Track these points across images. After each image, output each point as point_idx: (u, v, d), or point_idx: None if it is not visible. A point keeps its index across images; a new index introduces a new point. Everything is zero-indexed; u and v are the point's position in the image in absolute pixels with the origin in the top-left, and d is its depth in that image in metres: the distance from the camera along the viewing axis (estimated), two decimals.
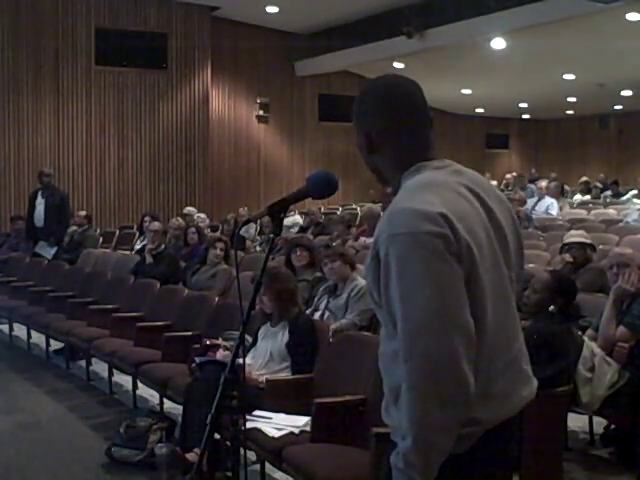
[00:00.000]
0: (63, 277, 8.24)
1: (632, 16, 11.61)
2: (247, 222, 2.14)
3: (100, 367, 6.30)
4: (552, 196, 11.37)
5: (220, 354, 4.30)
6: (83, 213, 11.26)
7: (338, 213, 12.98)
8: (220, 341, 4.47)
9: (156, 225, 7.62)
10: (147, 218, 9.68)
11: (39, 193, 9.83)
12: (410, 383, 1.52)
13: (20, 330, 7.75)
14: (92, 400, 5.79)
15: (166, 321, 5.80)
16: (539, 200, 11.21)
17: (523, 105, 21.78)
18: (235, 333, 4.69)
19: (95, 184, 14.28)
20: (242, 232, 9.57)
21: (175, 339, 5.27)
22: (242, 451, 2.04)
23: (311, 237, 8.31)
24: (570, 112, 22.42)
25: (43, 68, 13.68)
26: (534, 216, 10.26)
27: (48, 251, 9.51)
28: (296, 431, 3.59)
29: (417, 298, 1.52)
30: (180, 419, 4.35)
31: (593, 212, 11.46)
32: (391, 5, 13.87)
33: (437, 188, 1.66)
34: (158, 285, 6.55)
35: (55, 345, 7.12)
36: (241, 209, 11.90)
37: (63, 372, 6.63)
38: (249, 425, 3.46)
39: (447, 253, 1.54)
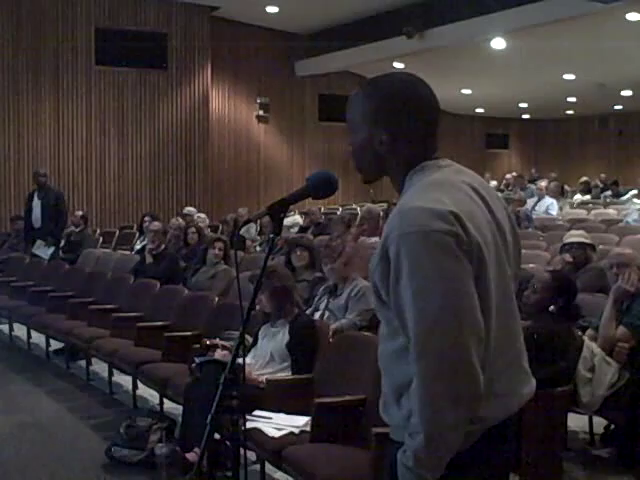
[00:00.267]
0: (63, 277, 8.24)
1: (632, 16, 11.62)
2: (247, 222, 2.14)
3: (100, 367, 6.30)
4: (552, 196, 11.38)
5: (218, 354, 4.30)
6: (80, 213, 11.26)
7: (338, 213, 12.98)
8: (217, 341, 4.47)
9: (156, 225, 7.61)
10: (147, 218, 9.68)
11: (35, 194, 9.84)
12: (423, 381, 1.53)
13: (20, 330, 7.75)
14: (92, 400, 5.79)
15: (166, 321, 5.79)
16: (539, 200, 11.23)
17: (523, 105, 21.79)
18: (235, 333, 4.69)
19: (95, 184, 14.28)
20: (242, 232, 9.56)
21: (175, 339, 5.27)
22: (242, 451, 2.04)
23: (311, 237, 8.30)
24: (570, 112, 22.43)
25: (43, 68, 13.68)
26: (534, 216, 10.28)
27: (45, 251, 9.51)
28: (296, 431, 3.59)
29: (430, 296, 1.52)
30: (180, 419, 4.36)
31: (593, 212, 11.47)
32: (391, 5, 13.87)
33: (446, 187, 1.66)
34: (158, 285, 6.55)
35: (55, 345, 7.12)
36: (241, 209, 11.89)
37: (63, 372, 6.63)
38: (249, 425, 3.46)
39: (459, 251, 1.55)
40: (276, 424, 3.64)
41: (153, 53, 14.68)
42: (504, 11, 11.80)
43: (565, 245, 5.76)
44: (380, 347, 1.78)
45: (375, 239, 8.35)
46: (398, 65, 15.38)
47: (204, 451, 1.96)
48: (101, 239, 11.55)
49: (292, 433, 3.57)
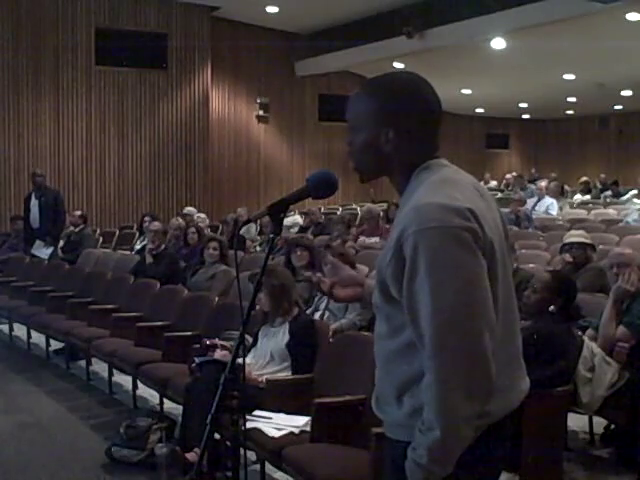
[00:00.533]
0: (63, 277, 8.24)
1: (632, 16, 11.62)
2: (247, 222, 2.14)
3: (100, 367, 6.30)
4: (552, 196, 11.38)
5: (218, 354, 4.30)
6: (78, 213, 11.26)
7: (338, 213, 12.98)
8: (217, 340, 4.47)
9: (156, 225, 7.61)
10: (147, 218, 9.68)
11: (33, 194, 9.84)
12: (440, 377, 1.53)
13: (20, 330, 7.75)
14: (92, 400, 5.79)
15: (166, 321, 5.79)
16: (539, 200, 11.23)
17: (523, 105, 21.79)
18: (235, 333, 4.69)
19: (95, 184, 14.28)
20: (242, 232, 9.57)
21: (175, 339, 5.27)
22: (242, 451, 2.04)
23: (311, 237, 8.31)
24: (570, 112, 22.44)
25: (43, 68, 13.68)
26: (534, 216, 10.28)
27: (44, 252, 9.51)
28: (296, 431, 3.59)
29: (448, 291, 1.53)
30: (180, 419, 4.35)
31: (593, 212, 11.47)
32: (391, 5, 13.87)
33: (456, 184, 1.68)
34: (158, 285, 6.55)
35: (55, 345, 7.12)
36: (240, 209, 11.88)
37: (63, 372, 6.63)
38: (249, 425, 3.46)
39: (475, 247, 1.57)
40: (276, 424, 3.64)
41: (153, 53, 14.67)
42: (504, 11, 11.80)
43: (565, 245, 5.76)
44: (377, 345, 1.79)
45: (375, 239, 8.37)
46: (398, 65, 15.38)
47: (204, 451, 1.96)
48: (101, 239, 11.55)
49: (292, 433, 3.57)
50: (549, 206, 11.06)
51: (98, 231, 12.41)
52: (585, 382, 3.93)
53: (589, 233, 6.17)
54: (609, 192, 15.65)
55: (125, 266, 7.97)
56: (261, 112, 17.24)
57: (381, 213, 9.84)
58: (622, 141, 22.33)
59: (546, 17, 11.36)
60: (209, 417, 1.85)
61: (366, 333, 4.25)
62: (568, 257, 5.58)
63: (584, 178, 16.17)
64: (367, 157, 1.76)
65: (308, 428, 3.54)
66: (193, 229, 8.25)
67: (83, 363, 6.45)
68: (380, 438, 2.72)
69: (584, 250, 5.60)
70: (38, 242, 9.63)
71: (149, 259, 7.23)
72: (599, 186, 16.58)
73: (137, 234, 10.66)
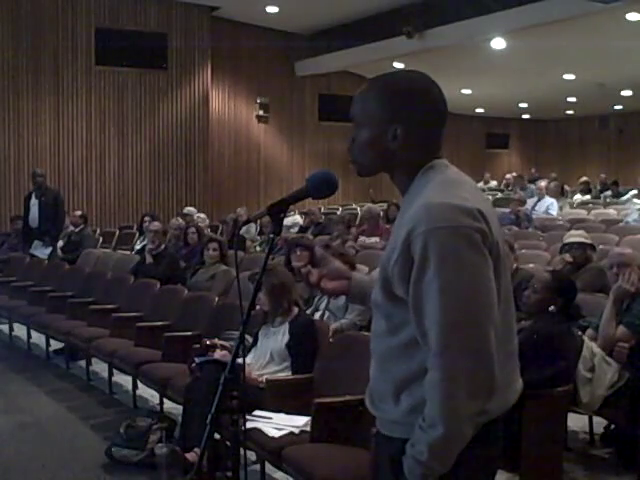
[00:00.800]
0: (63, 277, 8.24)
1: (632, 16, 11.62)
2: (247, 222, 2.14)
3: (100, 367, 6.30)
4: (552, 196, 11.38)
5: (218, 353, 4.30)
6: (78, 213, 11.27)
7: (338, 213, 12.98)
8: (216, 340, 4.47)
9: (156, 225, 7.61)
10: (147, 218, 9.69)
11: (33, 194, 9.84)
12: (446, 375, 1.54)
13: (20, 330, 7.75)
14: (92, 400, 5.79)
15: (166, 321, 5.80)
16: (539, 200, 11.23)
17: (523, 105, 21.79)
18: (235, 333, 4.69)
19: (95, 184, 14.28)
20: (242, 232, 9.57)
21: (175, 339, 5.27)
22: (242, 451, 2.04)
23: (311, 237, 8.31)
24: (570, 112, 22.44)
25: (43, 68, 13.68)
26: (534, 216, 10.28)
27: (43, 251, 9.51)
28: (296, 431, 3.59)
29: (457, 291, 1.55)
30: (180, 419, 4.35)
31: (593, 212, 11.46)
32: (391, 5, 13.87)
33: (463, 185, 1.70)
34: (158, 285, 6.55)
35: (55, 345, 7.11)
36: (239, 209, 11.88)
37: (63, 372, 6.63)
38: (249, 425, 3.46)
39: (484, 247, 1.59)
40: (276, 424, 3.64)
41: (153, 53, 14.67)
42: (504, 11, 11.80)
43: (565, 245, 5.76)
44: (374, 343, 1.79)
45: (375, 239, 8.37)
46: (398, 65, 15.38)
47: (204, 451, 1.96)
48: (101, 239, 11.55)
49: (292, 433, 3.57)
50: (549, 206, 11.06)
51: (98, 231, 12.41)
52: (585, 382, 3.93)
53: (589, 233, 6.18)
54: (609, 192, 15.65)
55: (125, 266, 7.97)
56: (261, 112, 17.24)
57: (381, 213, 9.84)
58: (622, 141, 22.34)
59: (546, 17, 11.36)
60: (209, 417, 1.85)
61: (366, 333, 4.25)
62: (568, 257, 5.58)
63: (584, 178, 16.17)
64: (371, 153, 1.75)
65: (308, 428, 3.54)
66: (193, 229, 8.25)
67: (83, 363, 6.45)
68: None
69: (584, 250, 5.61)
70: (37, 242, 9.63)
71: (149, 259, 7.23)
72: (597, 188, 16.58)
73: (137, 234, 10.66)
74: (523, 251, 7.06)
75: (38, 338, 7.33)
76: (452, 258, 1.55)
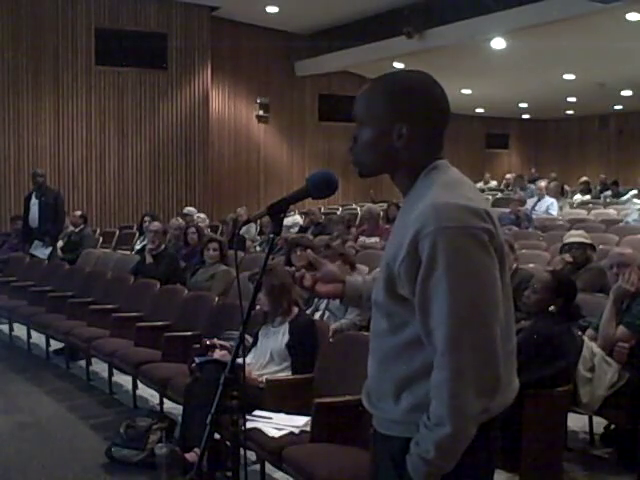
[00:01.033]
0: (63, 277, 8.24)
1: (632, 16, 11.61)
2: (247, 222, 2.14)
3: (100, 367, 6.30)
4: (552, 196, 11.37)
5: (217, 353, 4.30)
6: (78, 213, 11.27)
7: (338, 213, 12.99)
8: (215, 340, 4.47)
9: (156, 225, 7.61)
10: (147, 218, 9.69)
11: (33, 194, 9.85)
12: (454, 374, 1.55)
13: (20, 330, 7.75)
14: (92, 400, 5.79)
15: (166, 321, 5.79)
16: (539, 200, 11.22)
17: (523, 105, 21.79)
18: (235, 333, 4.69)
19: (95, 184, 14.28)
20: (242, 232, 9.57)
21: (175, 339, 5.27)
22: (242, 451, 2.04)
23: (311, 237, 8.31)
24: (570, 112, 22.44)
25: (43, 68, 13.68)
26: (534, 216, 10.28)
27: (42, 251, 9.51)
28: (296, 431, 3.59)
29: (467, 291, 1.56)
30: (180, 419, 4.35)
31: (593, 212, 11.46)
32: (391, 5, 13.87)
33: (467, 186, 1.71)
34: (158, 285, 6.55)
35: (55, 345, 7.12)
36: (239, 209, 11.89)
37: (63, 372, 6.63)
38: (249, 425, 3.46)
39: (491, 247, 1.60)
40: (276, 424, 3.64)
41: (153, 53, 14.68)
42: (504, 11, 11.80)
43: (565, 245, 5.76)
44: (374, 342, 1.80)
45: (375, 239, 8.37)
46: (398, 65, 15.37)
47: (204, 451, 1.96)
48: (101, 239, 11.55)
49: (292, 433, 3.57)
50: (549, 206, 11.06)
51: (98, 231, 12.41)
52: (585, 382, 3.93)
53: (589, 233, 6.17)
54: (609, 192, 15.65)
55: (125, 266, 7.97)
56: (261, 112, 17.24)
57: (381, 213, 9.85)
58: (622, 141, 22.34)
59: (546, 17, 11.36)
60: (209, 417, 1.85)
61: (366, 333, 4.25)
62: (568, 257, 5.58)
63: (584, 178, 16.18)
64: (374, 153, 1.75)
65: (308, 428, 3.54)
66: (193, 229, 8.25)
67: (83, 363, 6.45)
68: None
69: (584, 250, 5.60)
70: (36, 242, 9.63)
71: (149, 259, 7.23)
72: (598, 187, 16.58)
73: (137, 234, 10.66)
74: (523, 251, 7.05)
75: (38, 338, 7.33)
76: (460, 258, 1.56)
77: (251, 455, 3.76)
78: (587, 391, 3.93)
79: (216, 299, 5.68)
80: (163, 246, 7.38)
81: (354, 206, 15.05)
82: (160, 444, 4.21)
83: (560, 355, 3.76)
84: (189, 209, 11.60)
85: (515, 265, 5.22)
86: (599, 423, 4.50)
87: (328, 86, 18.11)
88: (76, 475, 4.25)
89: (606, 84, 17.25)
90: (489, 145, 23.95)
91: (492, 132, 23.77)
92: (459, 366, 1.55)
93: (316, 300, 5.33)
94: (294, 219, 11.77)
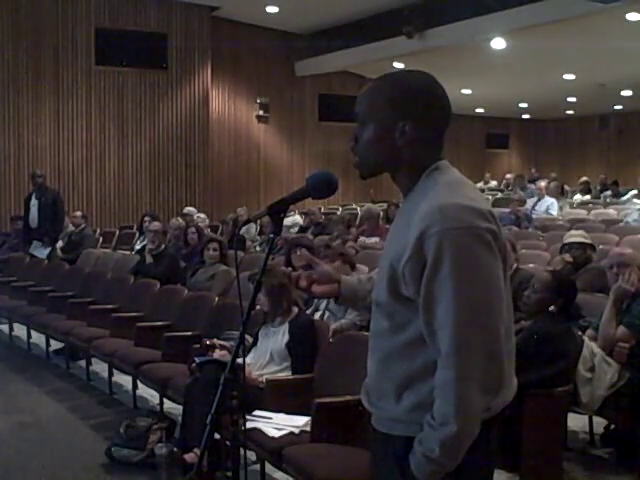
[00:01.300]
0: (63, 277, 8.24)
1: (632, 16, 11.61)
2: (247, 222, 2.14)
3: (100, 367, 6.30)
4: (552, 196, 11.37)
5: (217, 353, 4.30)
6: (79, 213, 11.27)
7: (338, 213, 12.99)
8: (215, 340, 4.47)
9: (156, 225, 7.61)
10: (147, 218, 9.68)
11: (33, 195, 9.85)
12: (460, 373, 1.56)
13: (20, 330, 7.75)
14: (92, 400, 5.79)
15: (166, 321, 5.80)
16: (539, 200, 11.22)
17: (523, 105, 21.78)
18: (235, 333, 4.69)
19: (95, 184, 14.28)
20: (242, 232, 9.57)
21: (175, 339, 5.27)
22: (242, 451, 2.04)
23: (311, 237, 8.30)
24: (570, 112, 22.43)
25: (43, 68, 13.68)
26: (534, 216, 10.28)
27: (42, 252, 9.51)
28: (296, 431, 3.59)
29: (472, 291, 1.57)
30: (180, 419, 4.35)
31: (593, 212, 11.46)
32: (391, 5, 13.87)
33: (469, 186, 1.72)
34: (158, 285, 6.55)
35: (55, 345, 7.11)
36: (239, 209, 11.89)
37: (63, 372, 6.63)
38: (249, 425, 3.46)
39: (495, 248, 1.62)
40: (276, 424, 3.64)
41: (153, 53, 14.67)
42: (504, 11, 11.80)
43: (565, 245, 5.76)
44: (375, 342, 1.80)
45: (375, 239, 8.37)
46: (398, 65, 15.37)
47: (204, 451, 1.96)
48: (101, 239, 11.55)
49: (292, 433, 3.57)
50: (549, 206, 11.05)
51: (98, 231, 12.41)
52: (585, 382, 3.93)
53: (589, 233, 6.17)
54: (609, 192, 15.64)
55: (125, 266, 7.98)
56: (261, 112, 17.24)
57: (381, 213, 9.84)
58: (622, 141, 22.32)
59: (546, 17, 11.36)
60: (209, 417, 1.85)
61: (366, 333, 4.25)
62: (568, 257, 5.58)
63: (584, 178, 16.17)
64: (376, 151, 1.75)
65: (308, 428, 3.54)
66: (193, 229, 8.25)
67: (83, 363, 6.45)
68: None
69: (584, 250, 5.60)
70: (36, 242, 9.63)
71: (149, 259, 7.23)
72: (598, 187, 16.57)
73: (137, 234, 10.66)
74: (523, 251, 7.05)
75: (38, 338, 7.33)
76: (466, 258, 1.57)
77: (251, 455, 3.76)
78: (587, 391, 3.93)
79: (216, 299, 5.68)
80: (163, 246, 7.39)
81: (354, 206, 15.04)
82: (160, 444, 4.21)
83: (560, 355, 3.77)
84: (189, 209, 11.60)
85: (515, 265, 5.22)
86: (599, 423, 4.50)
87: (328, 86, 18.10)
88: (76, 475, 4.25)
89: (606, 84, 17.24)
90: (489, 145, 23.94)
91: (492, 132, 23.76)
92: (465, 366, 1.56)
93: (316, 300, 5.33)
94: (294, 219, 11.76)
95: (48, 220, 9.65)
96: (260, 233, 10.67)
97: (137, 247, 9.52)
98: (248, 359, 4.19)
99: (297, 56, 17.16)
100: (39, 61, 13.65)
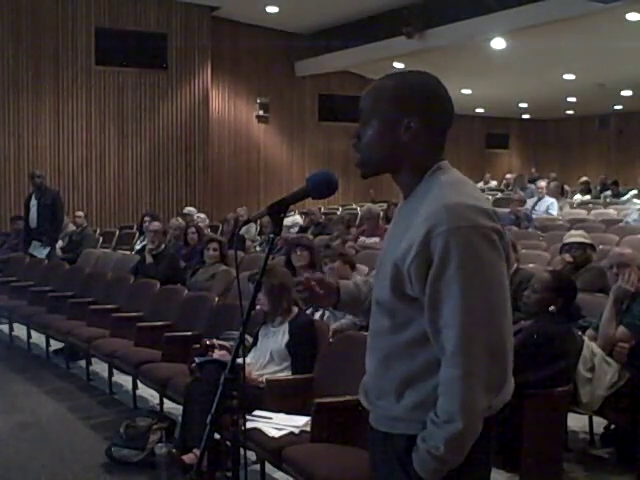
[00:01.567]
0: (63, 277, 8.24)
1: (632, 16, 11.61)
2: (247, 222, 2.14)
3: (100, 367, 6.30)
4: (552, 196, 11.37)
5: (217, 353, 4.30)
6: (81, 213, 11.27)
7: (338, 213, 12.99)
8: (215, 340, 4.47)
9: (156, 225, 7.61)
10: (147, 218, 9.69)
11: (32, 195, 9.85)
12: (466, 371, 1.57)
13: (20, 330, 7.75)
14: (92, 400, 5.78)
15: (166, 321, 5.79)
16: (539, 200, 11.21)
17: (523, 105, 21.79)
18: (235, 333, 4.69)
19: (95, 184, 14.28)
20: (242, 232, 9.57)
21: (175, 339, 5.27)
22: (242, 451, 2.04)
23: (311, 237, 8.30)
24: (570, 112, 22.44)
25: (43, 68, 13.68)
26: (534, 216, 10.27)
27: (41, 252, 9.51)
28: (296, 431, 3.59)
29: (479, 289, 1.58)
30: (180, 419, 4.35)
31: (593, 212, 11.46)
32: (391, 5, 13.87)
33: (471, 186, 1.74)
34: (158, 285, 6.55)
35: (55, 345, 7.11)
36: (240, 209, 11.89)
37: (63, 372, 6.63)
38: (249, 425, 3.46)
39: (500, 247, 1.63)
40: (276, 424, 3.64)
41: (153, 53, 14.67)
42: (504, 11, 11.80)
43: (565, 245, 5.75)
44: (375, 341, 1.80)
45: (375, 239, 8.37)
46: (398, 65, 15.38)
47: (204, 451, 1.96)
48: (101, 239, 11.55)
49: (292, 433, 3.57)
50: (549, 206, 11.05)
51: (98, 231, 12.41)
52: (585, 382, 3.93)
53: (589, 233, 6.17)
54: (609, 192, 15.65)
55: (125, 266, 7.97)
56: (261, 112, 17.24)
57: (381, 213, 9.84)
58: (622, 141, 22.33)
59: (546, 17, 11.37)
60: (209, 417, 1.85)
61: (366, 333, 4.25)
62: (568, 257, 5.58)
63: (584, 178, 16.17)
64: (380, 147, 1.75)
65: (308, 428, 3.54)
66: (193, 229, 8.25)
67: (83, 363, 6.45)
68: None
69: (584, 250, 5.60)
70: (35, 242, 9.63)
71: (149, 259, 7.23)
72: (598, 187, 16.57)
73: (137, 234, 10.66)
74: (523, 251, 7.05)
75: (38, 338, 7.33)
76: (473, 257, 1.58)
77: (251, 455, 3.76)
78: (587, 391, 3.93)
79: (216, 299, 5.68)
80: (163, 246, 7.38)
81: (354, 206, 15.05)
82: (160, 444, 4.22)
83: (560, 355, 3.76)
84: (189, 209, 11.60)
85: (516, 265, 5.22)
86: (599, 423, 4.50)
87: (328, 86, 18.11)
88: (76, 475, 4.25)
89: (606, 84, 17.25)
90: (489, 145, 23.95)
91: (492, 132, 23.77)
92: (471, 364, 1.57)
93: None
94: (294, 219, 11.77)
95: (47, 220, 9.65)
96: (260, 233, 10.67)
97: (137, 247, 9.52)
98: (248, 359, 4.19)
99: (297, 56, 17.16)
100: (39, 61, 13.65)
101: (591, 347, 4.03)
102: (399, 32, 13.56)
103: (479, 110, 22.11)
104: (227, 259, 6.70)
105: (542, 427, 3.61)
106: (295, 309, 4.31)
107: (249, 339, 4.34)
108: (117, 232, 12.07)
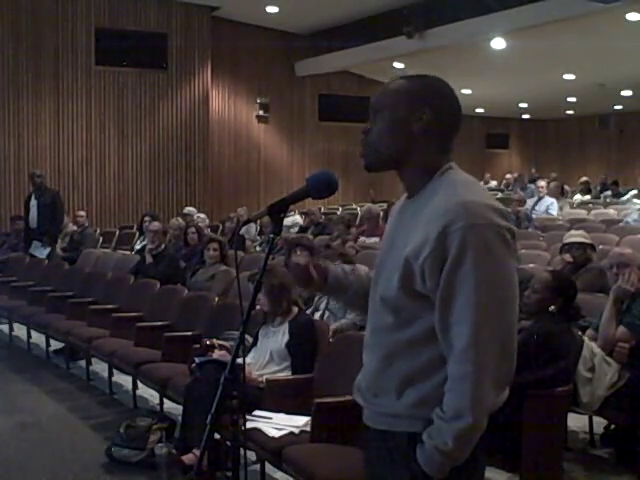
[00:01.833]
0: (63, 277, 8.24)
1: (632, 16, 11.61)
2: (247, 222, 2.14)
3: (100, 367, 6.30)
4: (552, 196, 11.37)
5: (217, 353, 4.30)
6: (82, 213, 11.28)
7: (338, 213, 12.98)
8: (215, 340, 4.47)
9: (156, 225, 7.61)
10: (147, 218, 9.69)
11: (32, 195, 9.86)
12: (477, 367, 1.58)
13: (20, 330, 7.75)
14: (92, 400, 5.79)
15: (166, 321, 5.79)
16: (539, 200, 11.21)
17: (523, 105, 21.79)
18: (235, 333, 4.69)
19: (95, 184, 14.28)
20: (242, 232, 9.56)
21: (175, 339, 5.27)
22: (242, 451, 2.04)
23: (311, 237, 8.30)
24: (570, 112, 22.44)
25: (43, 68, 13.68)
26: (534, 216, 10.27)
27: (41, 252, 9.51)
28: (296, 431, 3.59)
29: (493, 287, 1.60)
30: (180, 419, 4.35)
31: (593, 212, 11.46)
32: (391, 5, 13.87)
33: (483, 188, 1.79)
34: (158, 285, 6.55)
35: (55, 345, 7.11)
36: (240, 209, 11.89)
37: (63, 372, 6.63)
38: (249, 425, 3.46)
39: (513, 246, 1.66)
40: (276, 424, 3.64)
41: (153, 53, 14.68)
42: (504, 11, 11.81)
43: (565, 245, 5.75)
44: (377, 338, 1.79)
45: (375, 239, 8.36)
46: (398, 65, 15.38)
47: (204, 451, 1.96)
48: (101, 239, 11.55)
49: (292, 433, 3.57)
50: (549, 206, 11.04)
51: (98, 231, 12.41)
52: (585, 382, 3.93)
53: (589, 233, 6.17)
54: (609, 192, 15.65)
55: (125, 266, 7.97)
56: (261, 112, 17.24)
57: (381, 213, 9.83)
58: (622, 141, 22.33)
59: (546, 17, 11.37)
60: (209, 417, 1.85)
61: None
62: (568, 257, 5.58)
63: (584, 178, 16.16)
64: (390, 138, 1.75)
65: (308, 428, 3.54)
66: (193, 229, 8.25)
67: (83, 363, 6.45)
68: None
69: (584, 250, 5.60)
70: (35, 242, 9.63)
71: (149, 259, 7.23)
72: (598, 187, 16.57)
73: (137, 234, 10.66)
74: (523, 251, 7.06)
75: (38, 338, 7.33)
76: (489, 255, 1.60)
77: (251, 455, 3.76)
78: (587, 391, 3.93)
79: (216, 299, 5.68)
80: (163, 246, 7.38)
81: (354, 206, 15.04)
82: (160, 444, 4.22)
83: (560, 355, 3.76)
84: (189, 209, 11.60)
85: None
86: (599, 423, 4.50)
87: (328, 86, 18.11)
88: (76, 475, 4.25)
89: (606, 84, 17.24)
90: (489, 145, 23.95)
91: (492, 132, 23.77)
92: (482, 360, 1.58)
93: (316, 300, 5.33)
94: (294, 219, 11.76)
95: (47, 220, 9.65)
96: (260, 233, 10.67)
97: (137, 247, 9.52)
98: (248, 359, 4.19)
99: (297, 56, 17.17)
100: (39, 61, 13.65)
101: (591, 347, 4.03)
102: (399, 32, 13.56)
103: (479, 110, 22.10)
104: (227, 259, 6.70)
105: (542, 427, 3.61)
106: (295, 309, 4.31)
107: (249, 339, 4.34)
108: (117, 232, 12.07)
